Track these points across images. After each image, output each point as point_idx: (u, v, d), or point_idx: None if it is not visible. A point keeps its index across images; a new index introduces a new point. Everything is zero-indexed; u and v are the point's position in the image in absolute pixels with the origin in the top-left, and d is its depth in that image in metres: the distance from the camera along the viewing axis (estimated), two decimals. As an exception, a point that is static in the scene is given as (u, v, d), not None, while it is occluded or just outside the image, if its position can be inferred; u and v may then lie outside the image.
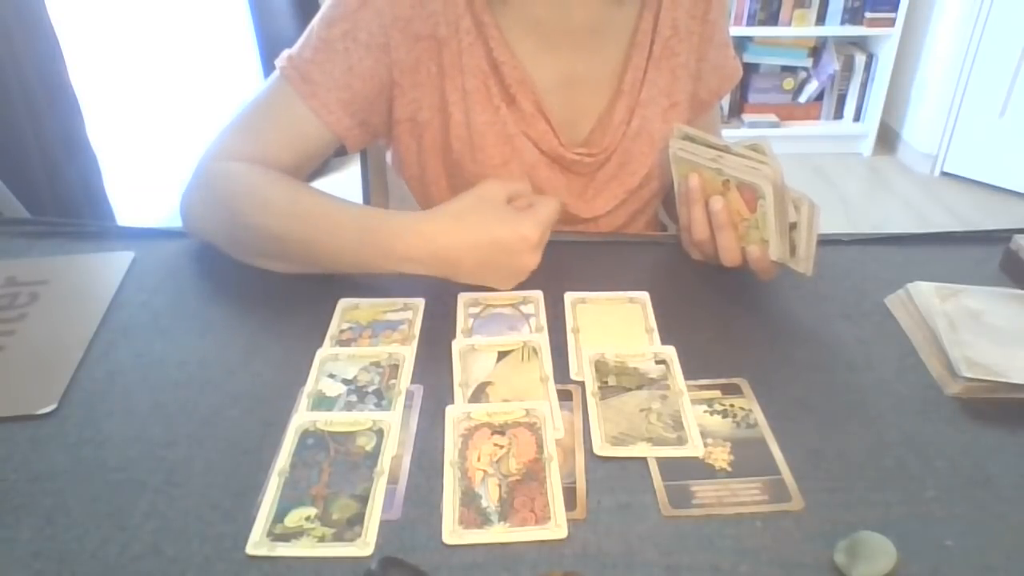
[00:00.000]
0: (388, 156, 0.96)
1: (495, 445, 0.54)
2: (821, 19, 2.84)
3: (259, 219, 0.69)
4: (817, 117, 3.06)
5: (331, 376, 0.61)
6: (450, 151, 0.81)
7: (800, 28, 2.85)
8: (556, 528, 0.48)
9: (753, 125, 2.93)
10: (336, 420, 0.56)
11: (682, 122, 0.83)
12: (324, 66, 0.75)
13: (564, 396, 0.59)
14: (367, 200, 1.12)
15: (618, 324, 0.67)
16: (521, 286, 0.71)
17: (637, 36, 0.81)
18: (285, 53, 0.76)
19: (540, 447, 0.54)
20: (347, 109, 0.77)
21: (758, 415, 0.58)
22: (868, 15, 2.81)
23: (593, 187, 0.86)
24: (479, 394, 0.59)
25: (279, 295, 0.71)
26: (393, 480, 0.52)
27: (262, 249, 0.72)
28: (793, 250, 0.68)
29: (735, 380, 0.61)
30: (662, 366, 0.62)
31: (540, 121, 0.81)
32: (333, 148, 0.80)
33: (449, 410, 0.57)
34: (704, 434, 0.56)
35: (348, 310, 0.69)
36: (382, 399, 0.59)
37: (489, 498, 0.50)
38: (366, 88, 0.77)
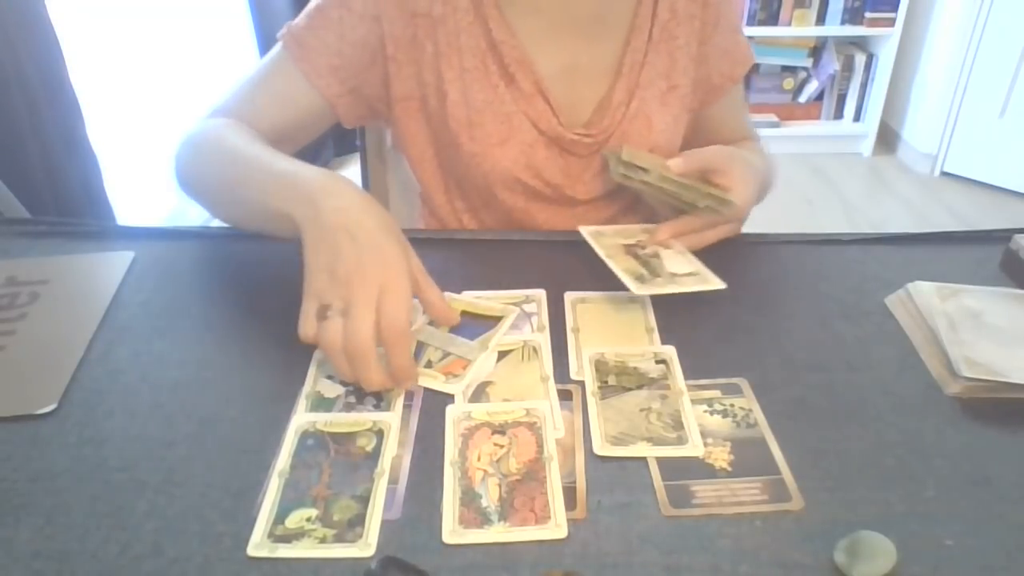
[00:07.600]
0: (388, 137, 0.96)
1: (495, 445, 0.54)
2: (821, 19, 2.84)
3: (215, 166, 0.71)
4: (817, 117, 3.06)
5: (329, 377, 0.61)
6: (446, 130, 0.82)
7: (800, 28, 2.85)
8: (556, 528, 0.48)
9: (753, 125, 2.93)
10: (336, 421, 0.56)
11: (685, 106, 0.86)
12: (318, 32, 0.77)
13: (564, 396, 0.59)
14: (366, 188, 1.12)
15: (618, 324, 0.67)
16: (521, 285, 0.71)
17: (637, 19, 0.82)
18: (287, 24, 0.79)
19: (540, 447, 0.54)
20: (337, 75, 0.78)
21: (758, 415, 0.58)
22: (868, 15, 2.81)
23: (591, 169, 0.87)
24: (479, 394, 0.59)
25: (279, 295, 0.71)
26: (393, 480, 0.52)
27: (219, 196, 0.72)
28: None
29: (735, 380, 0.61)
30: (662, 366, 0.62)
31: (539, 100, 0.81)
32: (327, 120, 0.82)
33: (449, 410, 0.57)
34: (704, 434, 0.56)
35: (348, 310, 0.69)
36: (381, 400, 0.59)
37: (489, 498, 0.50)
38: (357, 56, 0.78)
